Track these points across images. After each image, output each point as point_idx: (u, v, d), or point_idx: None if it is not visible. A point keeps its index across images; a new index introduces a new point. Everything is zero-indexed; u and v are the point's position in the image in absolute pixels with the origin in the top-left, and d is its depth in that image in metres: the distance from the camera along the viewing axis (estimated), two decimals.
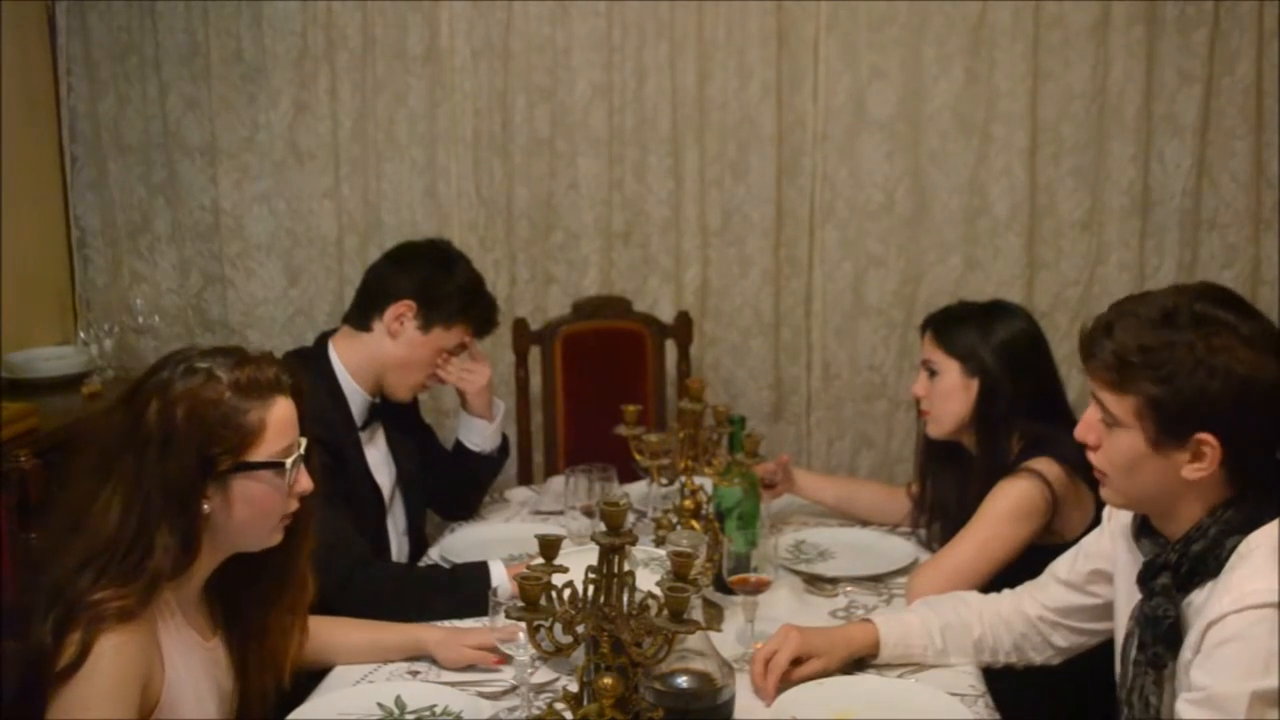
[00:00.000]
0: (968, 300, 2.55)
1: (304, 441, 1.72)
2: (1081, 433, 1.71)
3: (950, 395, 2.39)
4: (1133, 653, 1.68)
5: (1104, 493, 1.73)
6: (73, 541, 1.59)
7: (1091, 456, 1.71)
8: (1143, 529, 1.73)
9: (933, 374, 2.42)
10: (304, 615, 1.85)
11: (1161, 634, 1.62)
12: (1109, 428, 1.65)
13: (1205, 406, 1.55)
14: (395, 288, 2.51)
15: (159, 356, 1.73)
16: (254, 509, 1.66)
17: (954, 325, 2.42)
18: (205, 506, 1.63)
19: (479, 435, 2.74)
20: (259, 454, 1.65)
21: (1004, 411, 2.35)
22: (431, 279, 2.52)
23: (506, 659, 1.92)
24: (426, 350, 2.53)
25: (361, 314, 2.54)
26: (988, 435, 2.38)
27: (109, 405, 1.69)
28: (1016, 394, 2.35)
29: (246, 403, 1.64)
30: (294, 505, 1.71)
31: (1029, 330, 2.42)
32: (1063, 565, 1.98)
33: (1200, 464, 1.58)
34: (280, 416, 1.67)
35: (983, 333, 2.39)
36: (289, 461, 1.67)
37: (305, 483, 1.71)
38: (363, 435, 2.53)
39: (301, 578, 1.80)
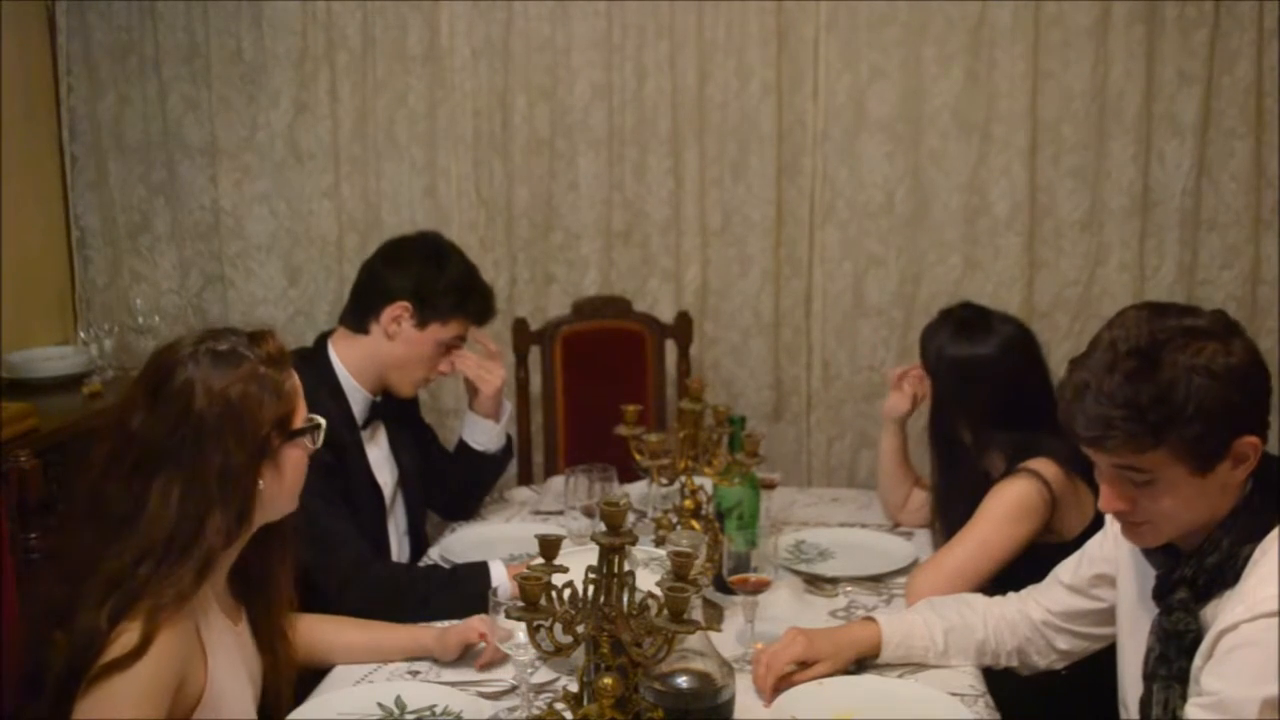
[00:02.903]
0: (973, 303, 2.55)
1: None
2: (1110, 507, 1.64)
3: (927, 402, 2.49)
4: (1154, 667, 1.66)
5: (1140, 539, 1.66)
6: (125, 540, 1.58)
7: (1125, 518, 1.64)
8: None
9: (923, 380, 2.52)
10: (291, 578, 1.85)
11: (1186, 648, 1.61)
12: (1143, 486, 1.59)
13: (1234, 413, 1.54)
14: (389, 289, 2.50)
15: None
16: (296, 474, 1.72)
17: (932, 333, 2.49)
18: (260, 483, 1.65)
19: (484, 434, 2.74)
20: (298, 420, 1.70)
21: (951, 422, 2.40)
22: (424, 277, 2.51)
23: (497, 644, 1.91)
24: (426, 347, 2.52)
25: (357, 316, 2.53)
26: (935, 442, 2.44)
27: (123, 405, 1.68)
28: (966, 408, 2.38)
29: (280, 374, 1.68)
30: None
31: (1001, 348, 2.39)
32: (1066, 569, 1.98)
33: (1245, 464, 1.57)
34: (299, 383, 1.73)
35: (944, 344, 2.43)
36: (322, 421, 1.74)
37: (317, 440, 1.76)
38: (364, 434, 2.53)
39: (291, 534, 1.81)
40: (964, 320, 2.46)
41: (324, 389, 2.43)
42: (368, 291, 2.54)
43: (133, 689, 1.50)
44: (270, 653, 1.80)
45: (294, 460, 1.71)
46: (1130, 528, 1.66)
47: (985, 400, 2.37)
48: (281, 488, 1.70)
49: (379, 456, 2.59)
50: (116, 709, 1.50)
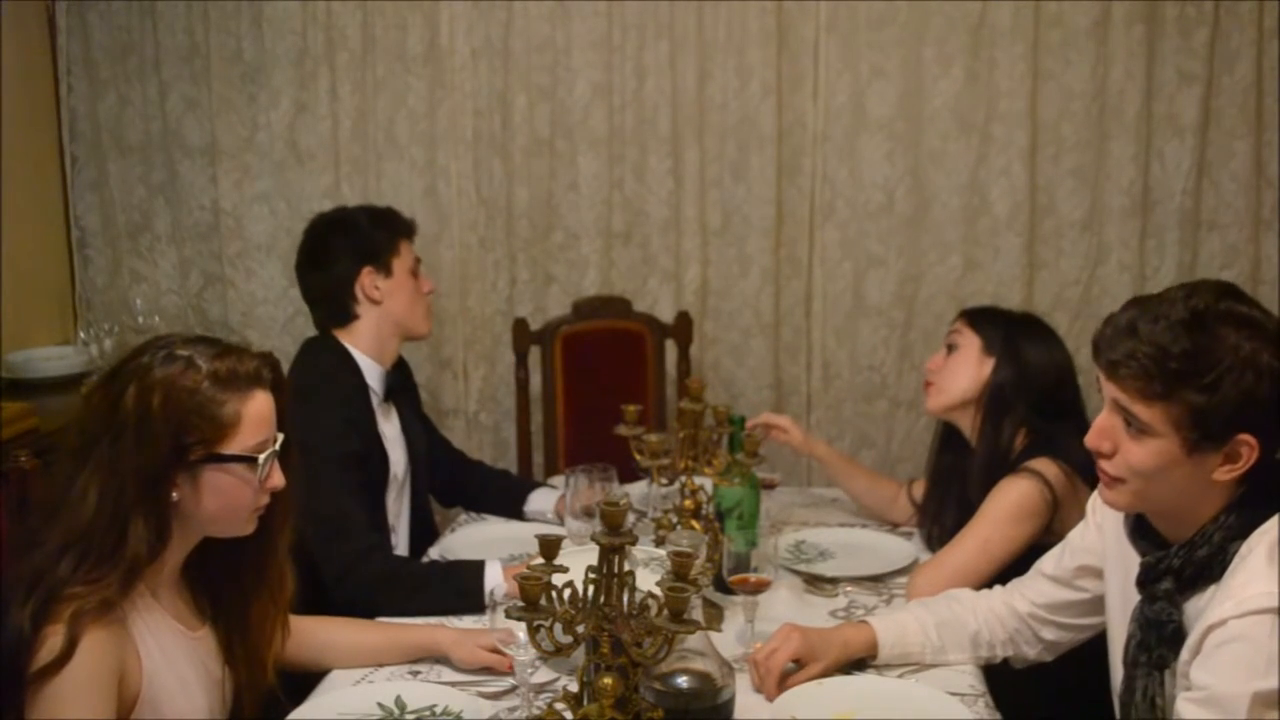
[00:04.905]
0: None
1: (280, 437, 1.71)
2: (1095, 441, 1.64)
3: (961, 369, 2.43)
4: (1134, 654, 1.67)
5: (1113, 496, 1.67)
6: (51, 526, 1.59)
7: (1104, 463, 1.65)
8: (1138, 529, 1.71)
9: (951, 349, 2.47)
10: (285, 610, 1.84)
11: (1166, 637, 1.61)
12: (1135, 436, 1.59)
13: (1250, 409, 1.52)
14: (344, 273, 2.60)
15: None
16: (223, 501, 1.66)
17: (991, 314, 2.51)
18: (174, 495, 1.62)
19: (540, 503, 2.77)
20: (232, 446, 1.64)
21: (1010, 399, 2.37)
22: (352, 241, 2.62)
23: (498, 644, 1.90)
24: (406, 283, 2.65)
25: (338, 313, 2.62)
26: (990, 418, 2.39)
27: (91, 387, 1.69)
28: (1026, 388, 2.37)
29: (223, 394, 1.63)
30: (264, 499, 1.70)
31: (1059, 353, 2.43)
32: (1049, 561, 1.98)
33: (1235, 465, 1.56)
34: (257, 410, 1.66)
35: (1014, 328, 2.44)
36: (262, 457, 1.66)
37: (277, 479, 1.70)
38: (379, 412, 2.60)
39: (279, 572, 1.80)
40: (1021, 313, 2.53)
41: (345, 370, 2.56)
42: (329, 293, 2.63)
43: (71, 689, 1.51)
44: (231, 669, 1.78)
45: (220, 485, 1.64)
46: (1108, 481, 1.66)
47: (1051, 379, 2.39)
48: (200, 507, 1.65)
49: (392, 435, 2.66)
50: (64, 709, 1.51)
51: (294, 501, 1.77)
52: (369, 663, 2.01)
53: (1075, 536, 1.94)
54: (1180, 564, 1.61)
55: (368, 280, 2.59)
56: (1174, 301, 1.57)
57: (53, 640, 1.51)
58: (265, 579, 1.78)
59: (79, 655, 1.51)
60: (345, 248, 2.61)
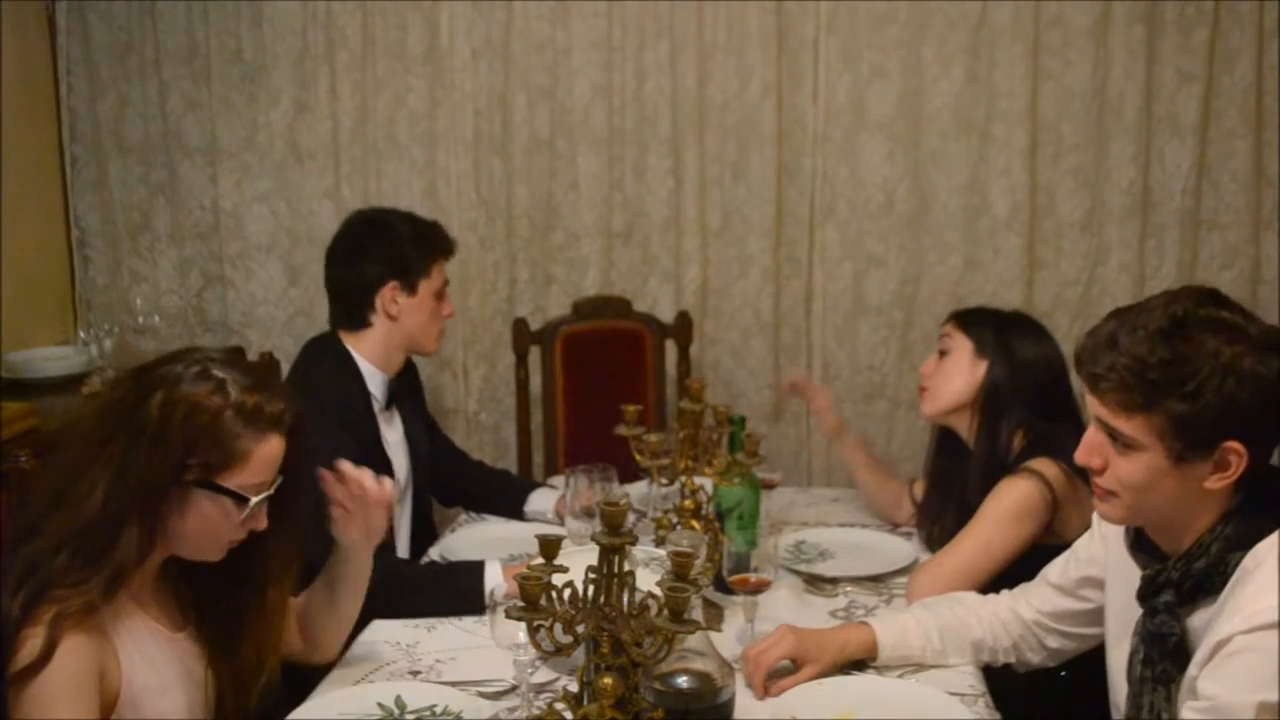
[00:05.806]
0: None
1: (279, 480, 1.71)
2: (1085, 457, 1.63)
3: (954, 373, 2.43)
4: (1139, 669, 1.66)
5: (1106, 511, 1.66)
6: (54, 515, 1.60)
7: (1096, 479, 1.64)
8: (1138, 541, 1.70)
9: (943, 354, 2.47)
10: (277, 651, 1.83)
11: (1169, 651, 1.60)
12: (1121, 451, 1.58)
13: (1235, 415, 1.51)
14: (368, 280, 2.57)
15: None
16: (202, 526, 1.66)
17: (980, 314, 2.50)
18: (162, 506, 1.63)
19: (540, 503, 2.77)
20: (231, 481, 1.65)
21: (1006, 400, 2.37)
22: (388, 252, 2.58)
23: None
24: (427, 304, 2.62)
25: (353, 317, 2.59)
26: (987, 421, 2.39)
27: (117, 379, 1.71)
28: (1021, 386, 2.36)
29: (243, 428, 1.64)
30: (241, 535, 1.70)
31: (1050, 347, 2.43)
32: (1055, 570, 1.98)
33: (1225, 473, 1.54)
34: (267, 453, 1.67)
35: (1004, 327, 2.44)
36: (254, 500, 1.67)
37: (260, 522, 1.71)
38: (382, 418, 2.59)
39: (280, 614, 1.81)
40: (1010, 312, 2.52)
41: (346, 374, 2.54)
42: (349, 293, 2.60)
43: (51, 692, 1.52)
44: (216, 674, 1.78)
45: (205, 511, 1.65)
46: (1100, 494, 1.65)
47: (1044, 379, 2.39)
48: (182, 525, 1.65)
49: (395, 440, 2.65)
50: (45, 712, 1.52)
51: (286, 548, 1.77)
52: (344, 604, 1.97)
53: (1081, 547, 1.93)
54: (1179, 576, 1.60)
55: (389, 294, 2.56)
56: (1153, 311, 1.55)
57: (31, 643, 1.52)
58: (258, 615, 1.78)
59: (57, 659, 1.52)
60: (378, 254, 2.57)
